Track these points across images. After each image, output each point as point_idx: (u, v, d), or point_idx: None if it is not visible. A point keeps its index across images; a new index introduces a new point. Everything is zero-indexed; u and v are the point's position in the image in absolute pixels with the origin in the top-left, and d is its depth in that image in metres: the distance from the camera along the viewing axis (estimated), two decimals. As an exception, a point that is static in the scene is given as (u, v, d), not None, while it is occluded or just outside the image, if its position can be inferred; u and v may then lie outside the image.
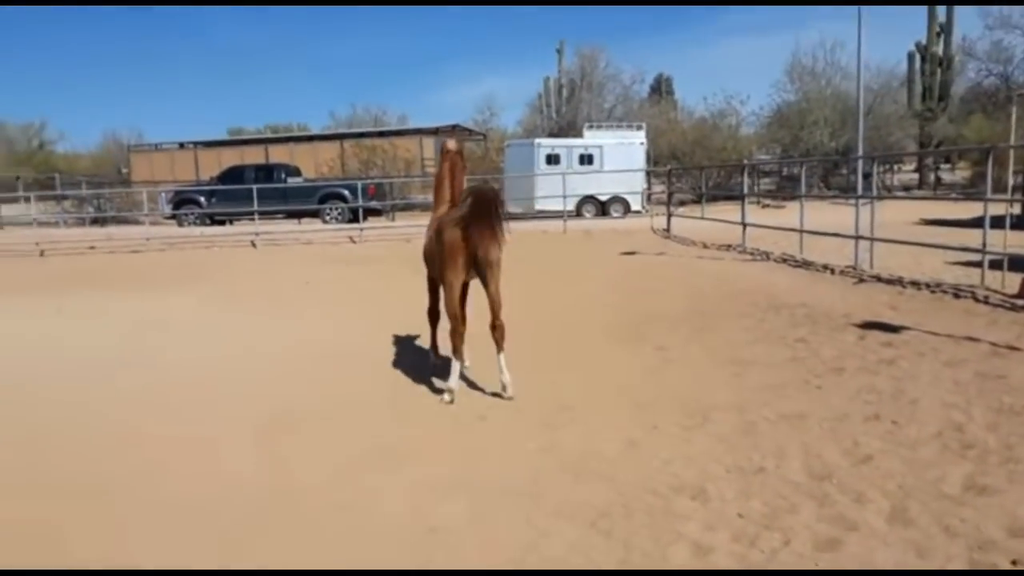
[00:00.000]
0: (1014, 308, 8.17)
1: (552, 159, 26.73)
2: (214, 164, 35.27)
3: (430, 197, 7.07)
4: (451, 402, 5.91)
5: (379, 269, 14.60)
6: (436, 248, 6.26)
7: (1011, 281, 9.31)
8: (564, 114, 43.36)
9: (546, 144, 27.93)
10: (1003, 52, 37.74)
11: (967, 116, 38.78)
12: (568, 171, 24.77)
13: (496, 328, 6.10)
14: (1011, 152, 12.34)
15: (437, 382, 6.35)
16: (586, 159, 26.82)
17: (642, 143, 27.67)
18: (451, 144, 6.74)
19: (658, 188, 31.72)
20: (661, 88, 58.48)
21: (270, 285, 12.98)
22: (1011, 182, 15.32)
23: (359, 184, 23.18)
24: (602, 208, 26.36)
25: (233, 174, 26.11)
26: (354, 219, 22.96)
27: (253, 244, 19.70)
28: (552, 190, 24.04)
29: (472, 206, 5.74)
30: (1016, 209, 18.64)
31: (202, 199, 25.89)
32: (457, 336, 6.11)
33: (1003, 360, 6.21)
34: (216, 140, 44.13)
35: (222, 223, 25.61)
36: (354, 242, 19.87)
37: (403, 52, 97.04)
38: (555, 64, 45.39)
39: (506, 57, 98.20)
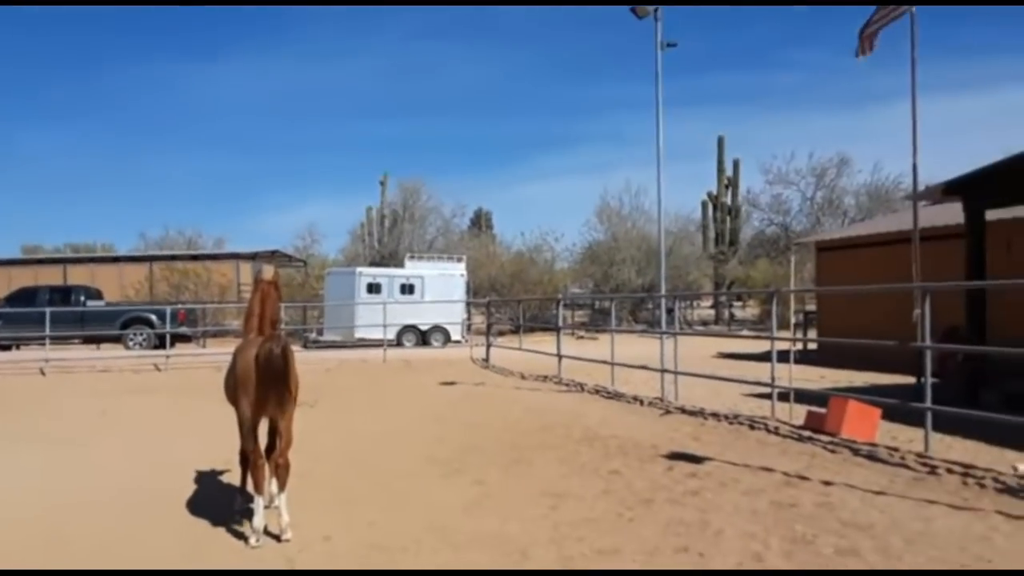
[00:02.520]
0: (801, 439, 8.82)
1: (373, 288, 26.77)
2: (3, 284, 32.43)
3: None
4: (258, 544, 5.52)
5: (184, 399, 13.71)
6: (231, 376, 6.15)
7: (798, 412, 10.08)
8: (386, 244, 43.84)
9: (368, 273, 28.03)
10: (782, 204, 42.55)
11: (754, 260, 42.98)
12: (389, 300, 24.85)
13: (280, 465, 5.84)
14: (791, 295, 13.66)
15: (243, 524, 5.92)
16: (407, 288, 27.06)
17: (462, 274, 28.34)
18: (265, 274, 6.60)
19: (478, 318, 32.33)
20: (481, 222, 60.77)
21: (57, 417, 11.82)
22: (792, 320, 16.90)
23: (168, 309, 22.04)
24: (423, 337, 26.46)
25: (24, 295, 24.11)
26: (161, 345, 21.67)
27: (42, 372, 18.03)
28: (373, 319, 23.97)
29: (264, 363, 5.72)
30: (800, 345, 20.50)
31: (-15, 321, 23.58)
32: (257, 470, 5.80)
33: (795, 489, 6.63)
34: (7, 259, 40.80)
35: (7, 348, 23.38)
36: (159, 370, 18.66)
37: (222, 175, 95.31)
38: (378, 194, 46.24)
39: (329, 186, 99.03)
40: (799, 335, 22.20)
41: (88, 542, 5.68)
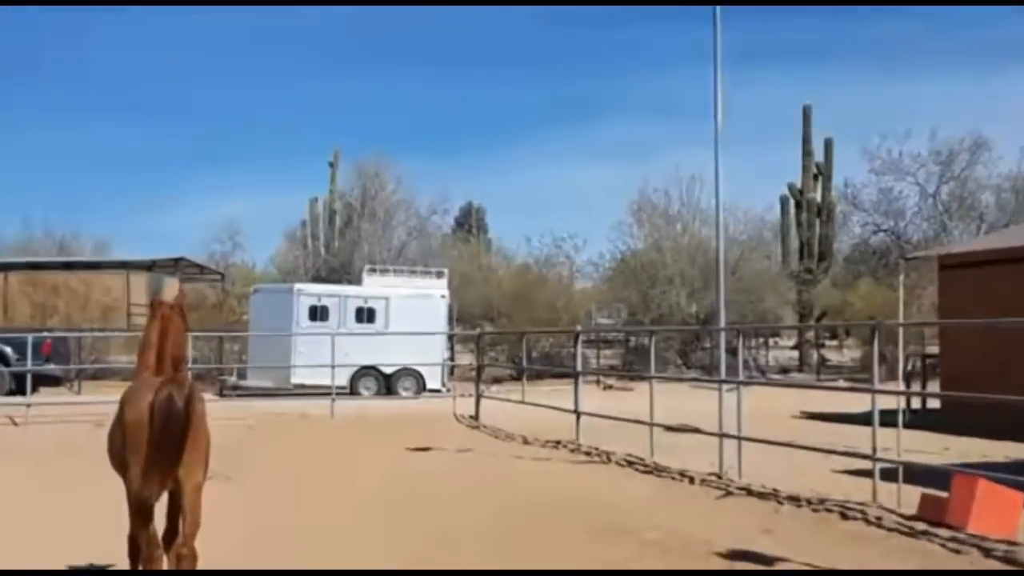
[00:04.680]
0: (912, 533, 8.84)
1: (318, 313, 26.86)
2: None
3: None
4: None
5: (50, 466, 13.75)
6: (116, 433, 6.21)
7: (908, 497, 10.09)
8: (337, 251, 43.79)
9: (310, 292, 28.14)
10: (892, 203, 42.02)
11: (854, 280, 42.53)
12: (340, 331, 24.89)
13: (183, 556, 5.88)
14: (900, 330, 13.66)
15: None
16: (366, 315, 27.13)
17: (443, 296, 28.37)
18: (166, 293, 6.74)
19: (465, 358, 32.35)
20: (471, 222, 60.85)
21: None
22: (902, 367, 16.83)
23: (29, 338, 22.10)
24: (387, 384, 26.45)
25: None
26: (18, 390, 21.71)
27: None
28: (317, 356, 23.96)
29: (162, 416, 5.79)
30: (915, 402, 20.48)
31: None
32: (151, 563, 5.89)
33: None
34: None
35: None
36: (16, 424, 18.71)
37: (107, 154, 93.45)
38: (326, 181, 46.24)
39: (258, 168, 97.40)
40: (914, 387, 22.16)
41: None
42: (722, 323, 14.40)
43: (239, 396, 25.94)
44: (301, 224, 47.01)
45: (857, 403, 19.85)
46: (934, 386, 22.58)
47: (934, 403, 21.26)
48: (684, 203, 40.56)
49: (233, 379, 28.20)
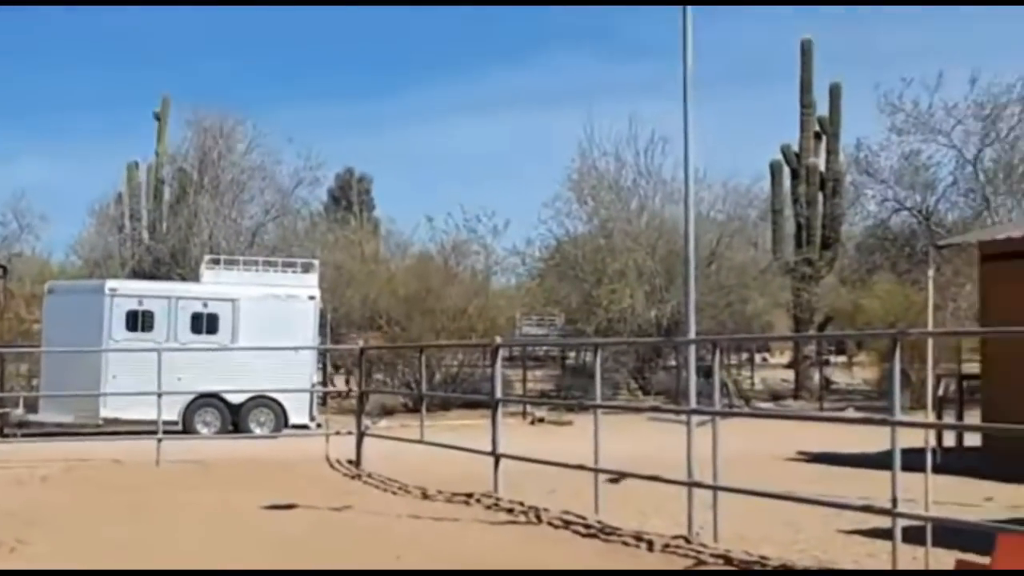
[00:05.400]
0: (944, 614, 8.98)
1: (139, 320, 26.73)
2: None
3: None
4: None
5: None
6: None
7: (939, 562, 10.21)
8: (166, 235, 43.28)
9: (128, 291, 27.95)
10: (920, 172, 42.18)
11: (868, 274, 42.83)
12: (170, 344, 24.69)
13: None
14: (929, 342, 13.82)
15: None
16: (205, 323, 27.05)
17: (313, 296, 28.27)
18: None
19: (342, 382, 32.20)
20: (351, 196, 60.40)
21: None
22: (931, 389, 16.94)
23: None
24: (234, 418, 26.36)
25: None
26: None
27: None
28: (137, 381, 23.80)
29: None
30: (949, 437, 20.75)
31: None
32: None
33: None
34: None
35: None
36: None
37: None
38: (151, 140, 45.67)
39: (55, 119, 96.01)
40: (947, 418, 22.48)
41: None
42: (691, 333, 14.41)
43: (27, 436, 25.56)
44: (116, 198, 46.29)
45: (872, 440, 20.12)
46: (974, 416, 22.87)
47: (974, 439, 21.57)
48: (641, 172, 40.56)
49: (19, 413, 27.69)
